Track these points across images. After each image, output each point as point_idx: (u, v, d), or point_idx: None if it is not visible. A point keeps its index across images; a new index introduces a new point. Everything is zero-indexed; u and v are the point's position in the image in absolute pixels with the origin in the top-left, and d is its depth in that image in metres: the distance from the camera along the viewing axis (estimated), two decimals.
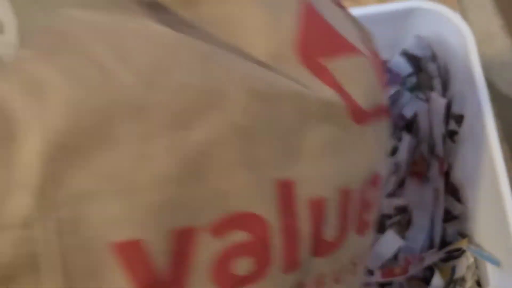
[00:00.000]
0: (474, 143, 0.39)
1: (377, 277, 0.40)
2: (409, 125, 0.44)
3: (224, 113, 0.19)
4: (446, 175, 0.42)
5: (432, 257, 0.40)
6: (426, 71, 0.43)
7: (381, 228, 0.42)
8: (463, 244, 0.40)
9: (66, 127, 0.16)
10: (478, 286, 0.41)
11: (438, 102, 0.41)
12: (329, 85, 0.22)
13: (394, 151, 0.43)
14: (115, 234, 0.17)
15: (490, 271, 0.40)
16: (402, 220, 0.42)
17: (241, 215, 0.20)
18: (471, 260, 0.40)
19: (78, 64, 0.17)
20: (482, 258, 0.40)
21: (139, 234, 0.17)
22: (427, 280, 0.41)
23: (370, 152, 0.25)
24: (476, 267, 0.41)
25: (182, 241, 0.18)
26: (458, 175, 0.42)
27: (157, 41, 0.18)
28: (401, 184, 0.43)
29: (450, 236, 0.41)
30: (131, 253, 0.17)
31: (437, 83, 0.42)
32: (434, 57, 0.42)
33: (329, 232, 0.23)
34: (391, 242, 0.41)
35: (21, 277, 0.16)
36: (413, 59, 0.43)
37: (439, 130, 0.41)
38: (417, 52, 0.43)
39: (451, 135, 0.41)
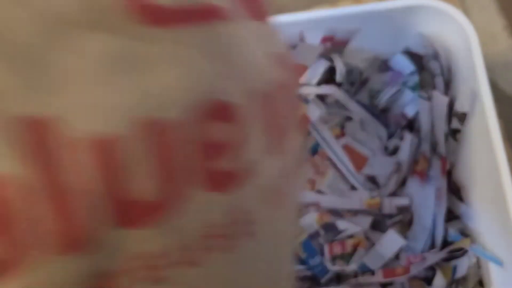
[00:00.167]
0: (477, 142, 0.39)
1: (379, 277, 0.40)
2: (411, 124, 0.43)
3: None
4: (449, 174, 0.42)
5: (434, 257, 0.39)
6: (428, 69, 0.42)
7: (382, 228, 0.42)
8: (465, 243, 0.40)
9: None
10: (481, 286, 0.41)
11: (441, 100, 0.41)
12: None
13: (396, 150, 0.43)
14: None
15: (493, 271, 0.39)
16: (404, 219, 0.42)
17: None
18: (474, 260, 0.40)
19: None
20: (485, 258, 0.39)
21: None
22: (428, 280, 0.40)
23: (192, 67, 0.18)
24: (479, 267, 0.41)
25: None
26: (460, 174, 0.42)
27: None
28: (403, 184, 0.43)
29: (452, 235, 0.41)
30: None
31: (439, 81, 0.42)
32: (436, 55, 0.42)
33: (143, 187, 0.16)
34: (392, 241, 0.40)
35: None
36: (415, 57, 0.43)
37: (441, 128, 0.41)
38: (419, 50, 0.43)
39: (454, 133, 0.41)
